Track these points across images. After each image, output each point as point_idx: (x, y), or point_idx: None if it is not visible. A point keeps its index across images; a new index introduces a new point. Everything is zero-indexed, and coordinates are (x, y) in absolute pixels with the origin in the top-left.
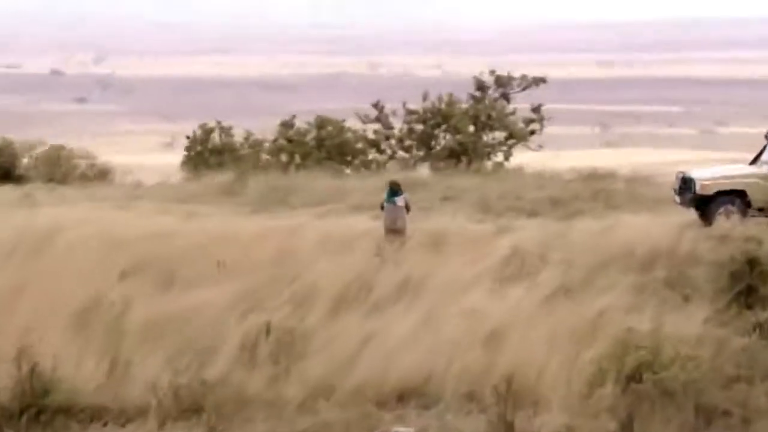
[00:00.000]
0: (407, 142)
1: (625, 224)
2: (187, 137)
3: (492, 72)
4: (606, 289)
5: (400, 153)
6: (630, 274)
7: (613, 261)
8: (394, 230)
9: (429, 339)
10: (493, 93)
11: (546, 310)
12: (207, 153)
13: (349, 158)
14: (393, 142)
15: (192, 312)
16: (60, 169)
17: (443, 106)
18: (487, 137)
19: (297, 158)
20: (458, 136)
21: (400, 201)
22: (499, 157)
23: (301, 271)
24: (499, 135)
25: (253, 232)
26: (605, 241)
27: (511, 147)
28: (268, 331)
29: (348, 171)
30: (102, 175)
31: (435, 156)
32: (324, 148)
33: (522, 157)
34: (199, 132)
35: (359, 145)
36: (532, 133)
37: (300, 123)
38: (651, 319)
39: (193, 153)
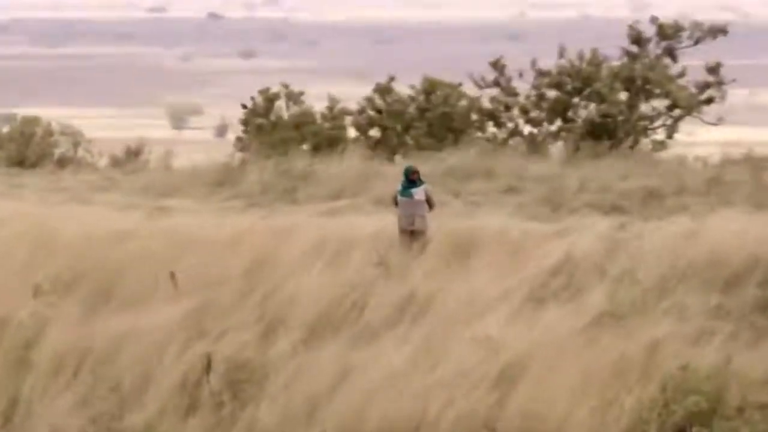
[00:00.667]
0: (535, 113)
1: (721, 226)
2: (244, 107)
3: (654, 19)
4: (672, 311)
5: (527, 127)
6: (710, 292)
7: (691, 274)
8: (412, 231)
9: (425, 375)
10: (654, 48)
11: (585, 339)
12: (270, 128)
13: (458, 133)
14: (516, 112)
15: (123, 339)
16: (33, 150)
17: (584, 65)
18: (645, 107)
19: (392, 134)
20: (603, 106)
21: (418, 194)
22: (660, 134)
23: (278, 284)
24: (660, 104)
25: (231, 234)
26: (689, 247)
27: (676, 120)
28: (209, 366)
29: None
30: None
31: (571, 132)
32: (425, 120)
33: (698, 134)
34: (260, 100)
35: (473, 117)
36: (708, 102)
37: (403, 86)
38: (722, 354)
39: (251, 128)
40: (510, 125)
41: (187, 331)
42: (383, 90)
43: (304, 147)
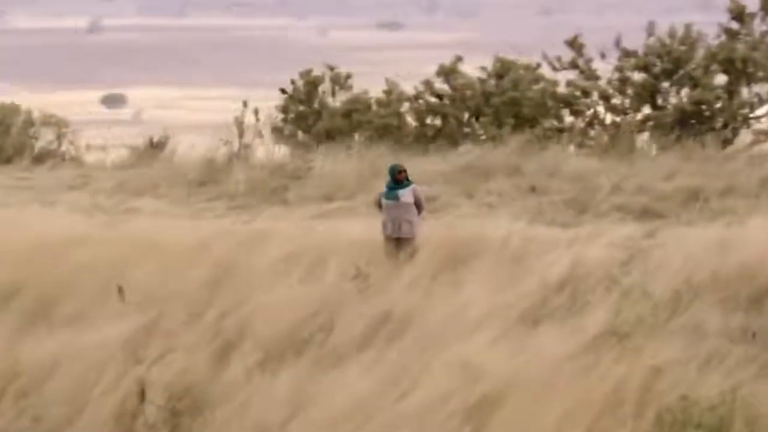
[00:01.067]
0: (618, 100)
1: (759, 234)
2: (282, 91)
3: None
4: (683, 331)
5: (609, 115)
6: (732, 309)
7: (712, 288)
8: (399, 239)
9: (393, 403)
10: (758, 25)
11: (579, 364)
12: (312, 115)
13: (528, 122)
14: (596, 98)
15: (57, 362)
16: (11, 142)
17: (675, 44)
18: (748, 93)
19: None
20: (696, 91)
21: (406, 195)
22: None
23: (239, 299)
24: (764, 89)
25: (194, 242)
26: (717, 258)
27: None
28: (142, 394)
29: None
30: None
31: (657, 121)
32: (490, 107)
33: None
34: (300, 83)
35: (548, 103)
36: None
37: (472, 69)
38: (731, 381)
39: (290, 115)
40: (589, 113)
41: (130, 352)
42: (448, 71)
43: (357, 138)
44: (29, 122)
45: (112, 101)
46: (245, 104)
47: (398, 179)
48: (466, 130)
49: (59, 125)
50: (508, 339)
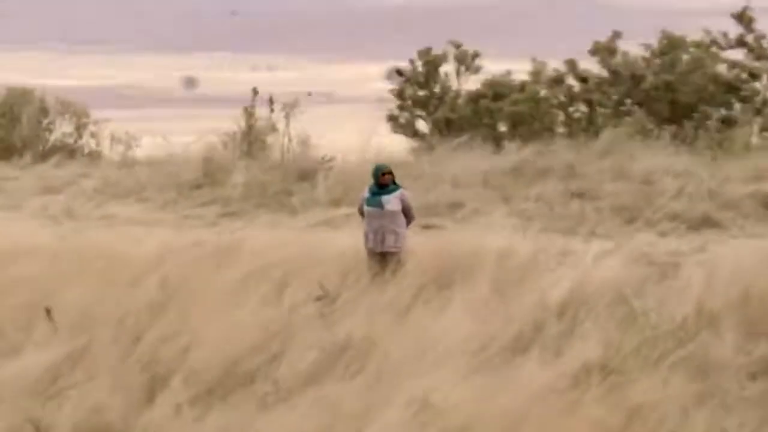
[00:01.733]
0: None
1: None
2: (398, 72)
3: None
4: (686, 366)
5: None
6: (750, 338)
7: (736, 315)
8: (382, 254)
9: None
10: None
11: (559, 402)
12: (436, 102)
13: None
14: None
15: None
16: (21, 134)
17: None
18: None
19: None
20: None
21: (391, 202)
22: None
23: (184, 324)
24: None
25: (153, 256)
26: (751, 277)
27: None
28: None
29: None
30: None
31: None
32: (642, 92)
33: None
34: (418, 64)
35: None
36: None
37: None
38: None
39: (406, 101)
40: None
41: (48, 386)
42: (603, 50)
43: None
44: (43, 111)
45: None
46: (255, 91)
47: (383, 183)
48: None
49: (78, 114)
50: (484, 373)
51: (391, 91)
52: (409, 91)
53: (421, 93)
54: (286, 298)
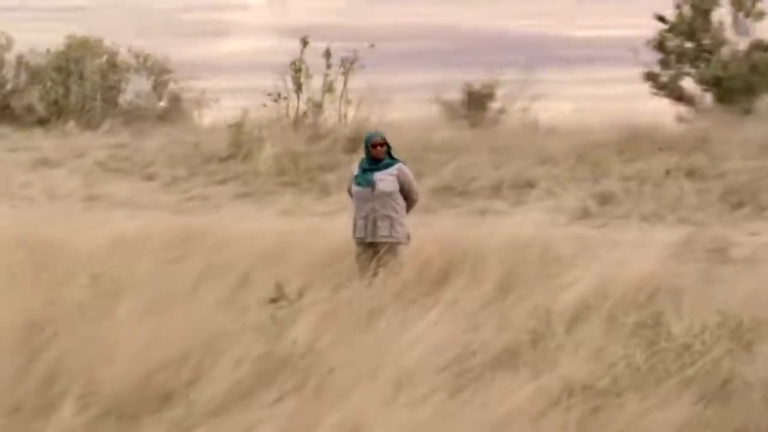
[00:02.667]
0: None
1: None
2: (660, 19)
3: None
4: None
5: None
6: None
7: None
8: (374, 245)
9: None
10: None
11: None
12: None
13: None
14: None
15: None
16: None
17: None
18: None
19: None
20: None
21: (386, 180)
22: None
23: (101, 331)
24: None
25: (97, 246)
26: None
27: None
28: None
29: None
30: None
31: None
32: None
33: None
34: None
35: None
36: None
37: None
38: None
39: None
40: None
41: None
42: None
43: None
44: (111, 66)
45: None
46: (305, 42)
47: (375, 156)
48: None
49: (156, 71)
50: (446, 391)
51: (651, 41)
52: (673, 42)
53: (689, 45)
54: (240, 299)
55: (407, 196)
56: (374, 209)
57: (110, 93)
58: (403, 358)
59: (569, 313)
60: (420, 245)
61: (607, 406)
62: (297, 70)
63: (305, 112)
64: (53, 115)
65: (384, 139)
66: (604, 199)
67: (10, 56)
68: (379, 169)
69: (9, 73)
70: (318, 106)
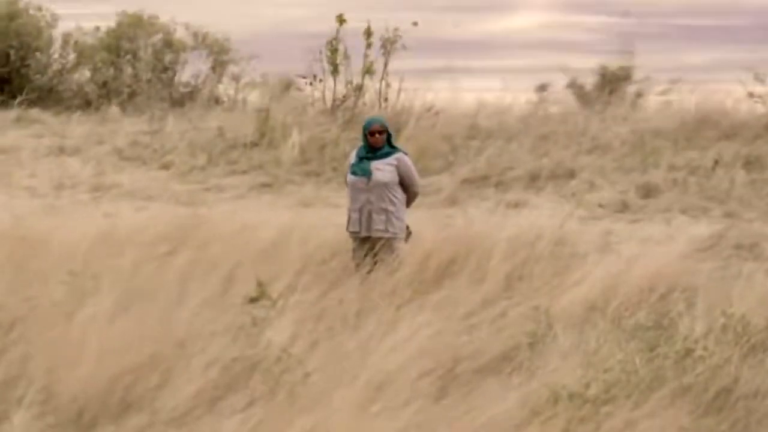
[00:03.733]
0: None
1: None
2: None
3: None
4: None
5: None
6: None
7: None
8: (369, 240)
9: None
10: None
11: None
12: None
13: None
14: None
15: None
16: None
17: None
18: None
19: None
20: None
21: (384, 170)
22: None
23: (69, 332)
24: None
25: (91, 237)
26: None
27: None
28: None
29: None
30: None
31: None
32: None
33: None
34: None
35: None
36: None
37: None
38: None
39: None
40: None
41: None
42: None
43: None
44: (167, 44)
45: None
46: (341, 20)
47: (373, 143)
48: None
49: (217, 50)
50: (422, 400)
51: None
52: None
53: None
54: (223, 298)
55: (407, 188)
56: (370, 201)
57: (165, 74)
58: (387, 362)
59: (573, 313)
60: (423, 240)
61: (594, 414)
62: (333, 50)
63: (344, 96)
64: (102, 98)
65: (384, 125)
66: (648, 191)
67: (56, 34)
68: (377, 158)
69: (55, 52)
70: (358, 89)
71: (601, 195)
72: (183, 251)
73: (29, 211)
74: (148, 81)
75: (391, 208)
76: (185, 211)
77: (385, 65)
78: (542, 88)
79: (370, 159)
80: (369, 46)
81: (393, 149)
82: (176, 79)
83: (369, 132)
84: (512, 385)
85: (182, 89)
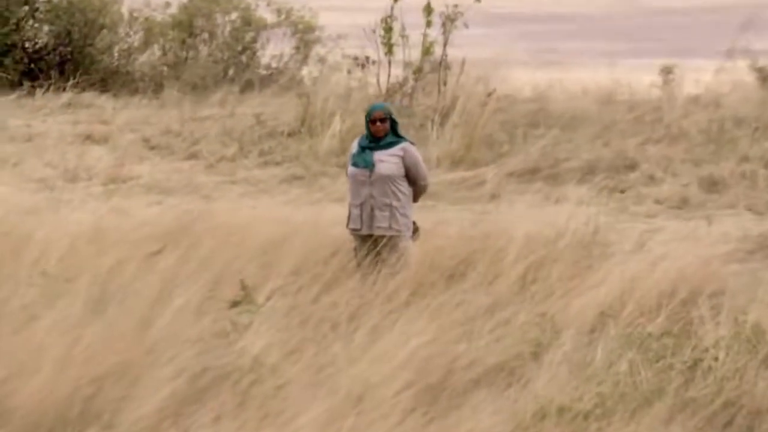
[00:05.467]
0: None
1: None
2: None
3: None
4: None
5: None
6: None
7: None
8: (371, 238)
9: None
10: None
11: None
12: None
13: None
14: None
15: None
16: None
17: None
18: None
19: None
20: None
21: (387, 162)
22: None
23: (28, 342)
24: None
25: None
26: None
27: None
28: None
29: None
30: None
31: None
32: None
33: None
34: None
35: None
36: None
37: None
38: None
39: None
40: None
41: None
42: None
43: None
44: (245, 23)
45: None
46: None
47: (375, 132)
48: None
49: (303, 28)
50: (420, 412)
51: None
52: None
53: None
54: (206, 301)
55: (413, 181)
56: (372, 196)
57: (243, 55)
58: (371, 373)
59: (585, 320)
60: (436, 236)
61: (584, 430)
62: (387, 29)
63: (404, 79)
64: (172, 80)
65: (387, 113)
66: (712, 185)
67: (123, 10)
68: (380, 148)
69: (122, 30)
70: (418, 72)
71: (660, 189)
72: (173, 250)
73: (29, 206)
74: (225, 62)
75: (395, 203)
76: (201, 206)
77: (445, 44)
78: (667, 70)
79: (372, 149)
80: (429, 24)
81: (398, 138)
82: (255, 60)
83: (370, 120)
84: (505, 398)
85: (262, 72)
